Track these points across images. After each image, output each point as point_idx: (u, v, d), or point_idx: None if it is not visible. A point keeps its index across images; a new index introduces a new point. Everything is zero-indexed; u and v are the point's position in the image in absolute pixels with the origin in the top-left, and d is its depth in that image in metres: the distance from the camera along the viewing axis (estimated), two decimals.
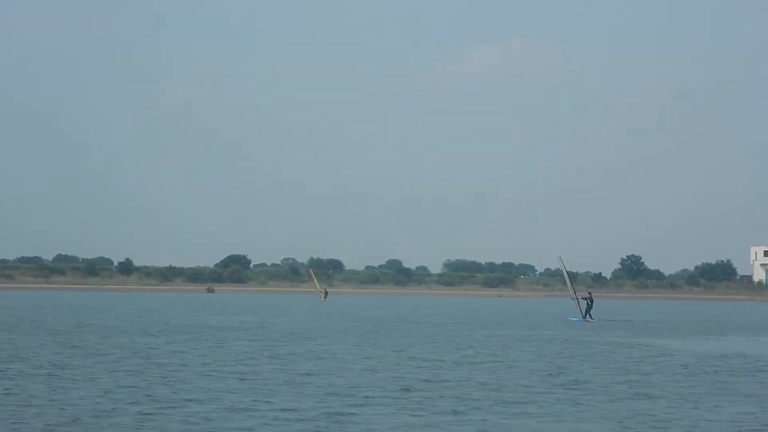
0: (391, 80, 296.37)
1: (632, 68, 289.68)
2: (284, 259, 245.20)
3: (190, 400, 23.21)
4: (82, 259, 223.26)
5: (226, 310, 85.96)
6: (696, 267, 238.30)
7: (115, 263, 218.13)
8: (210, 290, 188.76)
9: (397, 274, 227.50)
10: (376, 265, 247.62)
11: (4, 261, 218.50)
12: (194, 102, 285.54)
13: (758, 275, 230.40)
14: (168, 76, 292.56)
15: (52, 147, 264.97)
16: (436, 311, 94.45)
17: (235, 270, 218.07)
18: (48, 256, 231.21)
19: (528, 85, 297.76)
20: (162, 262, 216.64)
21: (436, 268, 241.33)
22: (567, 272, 76.38)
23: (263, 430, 19.52)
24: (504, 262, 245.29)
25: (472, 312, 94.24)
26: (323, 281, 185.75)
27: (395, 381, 27.76)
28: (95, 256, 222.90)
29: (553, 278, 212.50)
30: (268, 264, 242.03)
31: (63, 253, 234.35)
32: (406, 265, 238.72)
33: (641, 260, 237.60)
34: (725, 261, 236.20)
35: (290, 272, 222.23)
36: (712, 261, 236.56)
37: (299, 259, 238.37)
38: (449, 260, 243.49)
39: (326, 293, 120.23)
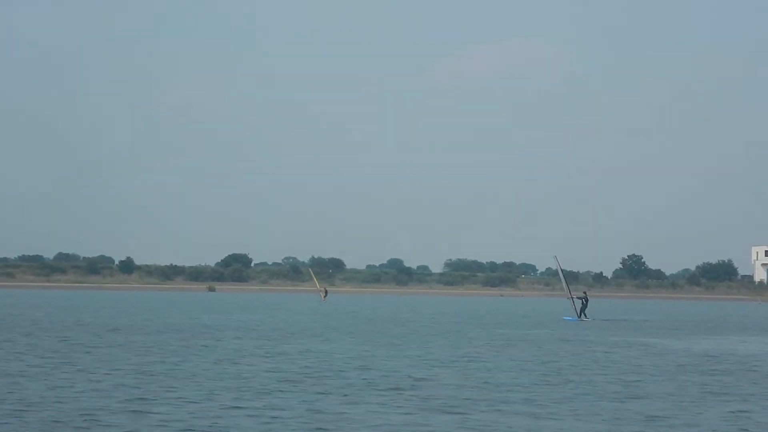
0: (391, 80, 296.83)
1: (632, 68, 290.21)
2: (285, 258, 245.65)
3: (180, 398, 23.29)
4: (83, 257, 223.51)
5: (226, 309, 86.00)
6: (697, 267, 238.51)
7: (116, 262, 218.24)
8: (211, 289, 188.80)
9: (398, 274, 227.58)
10: (377, 264, 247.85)
11: (5, 259, 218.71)
12: (195, 102, 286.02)
13: (759, 275, 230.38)
14: (168, 76, 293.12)
15: (52, 146, 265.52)
16: (434, 311, 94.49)
17: (236, 269, 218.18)
18: (49, 254, 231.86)
19: (528, 85, 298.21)
20: (163, 261, 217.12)
21: (437, 268, 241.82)
22: (562, 272, 76.52)
23: (257, 428, 19.59)
24: (505, 262, 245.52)
25: (470, 311, 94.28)
26: (324, 280, 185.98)
27: (387, 379, 27.83)
28: (96, 255, 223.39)
29: (554, 278, 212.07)
30: (269, 263, 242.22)
31: (64, 252, 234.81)
32: (407, 264, 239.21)
33: (642, 260, 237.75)
34: (726, 261, 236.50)
35: (291, 271, 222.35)
36: (713, 261, 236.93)
37: (300, 258, 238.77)
38: (450, 260, 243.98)
39: (326, 292, 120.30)
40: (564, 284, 74.44)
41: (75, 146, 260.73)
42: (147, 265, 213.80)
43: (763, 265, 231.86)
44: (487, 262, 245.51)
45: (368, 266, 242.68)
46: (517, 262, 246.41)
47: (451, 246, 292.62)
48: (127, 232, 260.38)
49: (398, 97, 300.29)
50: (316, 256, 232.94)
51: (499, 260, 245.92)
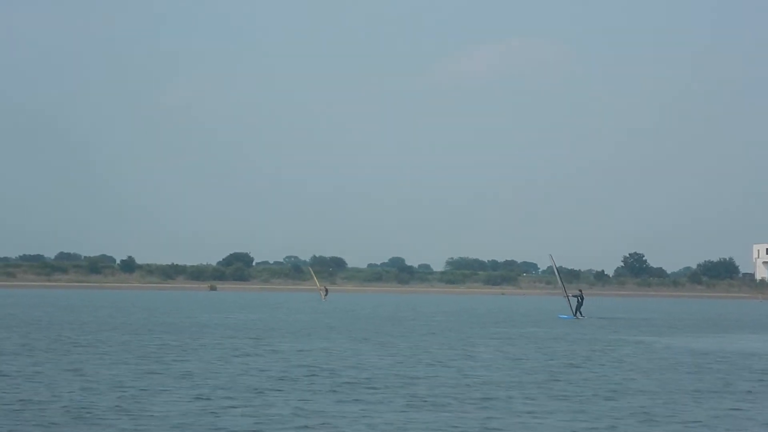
0: (392, 80, 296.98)
1: (632, 68, 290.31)
2: (287, 257, 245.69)
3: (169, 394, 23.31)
4: (85, 257, 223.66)
5: (225, 308, 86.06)
6: (698, 265, 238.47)
7: (118, 261, 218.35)
8: (212, 288, 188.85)
9: (399, 272, 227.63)
10: (378, 263, 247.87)
11: (7, 259, 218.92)
12: (195, 101, 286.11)
13: (760, 273, 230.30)
14: (169, 76, 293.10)
15: (53, 146, 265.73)
16: (434, 309, 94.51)
17: (237, 268, 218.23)
18: (50, 254, 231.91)
19: (528, 85, 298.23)
20: (164, 260, 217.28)
21: (438, 266, 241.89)
22: (558, 270, 76.61)
23: (245, 427, 19.61)
24: (507, 260, 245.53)
25: (470, 310, 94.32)
26: (326, 279, 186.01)
27: (380, 377, 27.84)
28: (97, 254, 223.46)
29: (555, 276, 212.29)
30: (271, 262, 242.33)
31: (65, 252, 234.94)
32: (408, 263, 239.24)
33: (644, 258, 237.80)
34: (728, 259, 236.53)
35: (293, 270, 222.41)
36: (715, 259, 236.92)
37: (302, 257, 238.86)
38: (452, 258, 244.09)
39: (327, 291, 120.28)
40: (560, 282, 74.52)
41: (76, 146, 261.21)
42: (148, 265, 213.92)
43: (764, 263, 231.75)
44: (488, 261, 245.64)
45: (370, 265, 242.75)
46: (519, 260, 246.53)
47: (453, 245, 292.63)
48: (128, 232, 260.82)
49: (398, 96, 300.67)
50: (317, 255, 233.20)
51: (500, 259, 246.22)
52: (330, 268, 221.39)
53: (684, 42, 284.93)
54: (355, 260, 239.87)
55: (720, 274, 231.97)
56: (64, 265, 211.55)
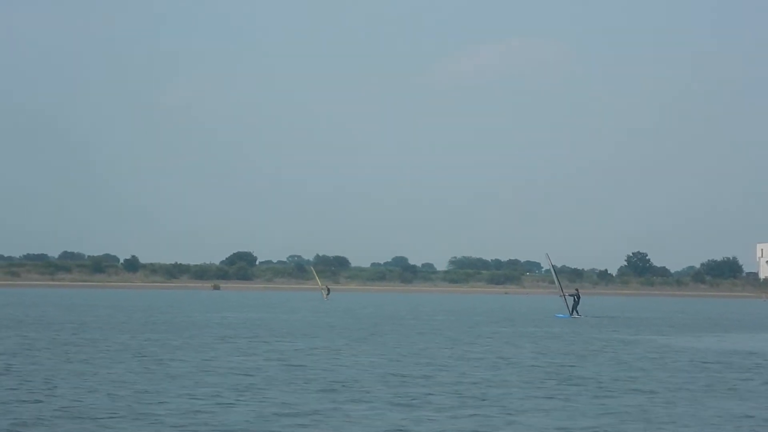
0: (392, 80, 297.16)
1: (633, 68, 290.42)
2: (290, 256, 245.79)
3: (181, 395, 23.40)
4: (88, 256, 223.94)
5: (224, 308, 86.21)
6: (702, 264, 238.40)
7: (121, 260, 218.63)
8: (216, 287, 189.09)
9: (402, 272, 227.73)
10: (381, 262, 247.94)
11: (10, 258, 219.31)
12: (197, 101, 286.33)
13: (764, 272, 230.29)
14: (171, 76, 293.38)
15: (56, 146, 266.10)
16: (434, 308, 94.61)
17: (241, 267, 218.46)
18: (54, 253, 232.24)
19: (529, 85, 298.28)
20: (168, 260, 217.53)
21: (442, 266, 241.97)
22: (554, 269, 76.63)
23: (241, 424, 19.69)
24: (510, 259, 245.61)
25: (470, 309, 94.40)
26: (329, 278, 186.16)
27: (373, 376, 27.92)
28: (101, 254, 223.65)
29: (559, 275, 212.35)
30: (274, 261, 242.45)
31: (69, 251, 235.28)
32: (412, 262, 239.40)
33: (647, 257, 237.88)
34: (731, 258, 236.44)
35: (296, 269, 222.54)
36: (719, 258, 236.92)
37: (305, 256, 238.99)
38: (455, 257, 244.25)
39: (328, 291, 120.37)
40: (556, 281, 74.64)
41: (79, 145, 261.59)
42: (152, 264, 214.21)
43: (767, 262, 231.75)
44: (491, 260, 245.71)
45: (373, 264, 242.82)
46: (522, 259, 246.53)
47: (456, 244, 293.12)
48: (131, 231, 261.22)
49: (399, 96, 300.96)
50: (320, 254, 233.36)
51: (503, 258, 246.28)
52: (332, 268, 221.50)
53: (684, 42, 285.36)
54: (358, 259, 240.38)
55: (724, 273, 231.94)
56: (68, 265, 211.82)
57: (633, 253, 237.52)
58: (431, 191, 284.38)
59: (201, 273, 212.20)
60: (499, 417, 21.20)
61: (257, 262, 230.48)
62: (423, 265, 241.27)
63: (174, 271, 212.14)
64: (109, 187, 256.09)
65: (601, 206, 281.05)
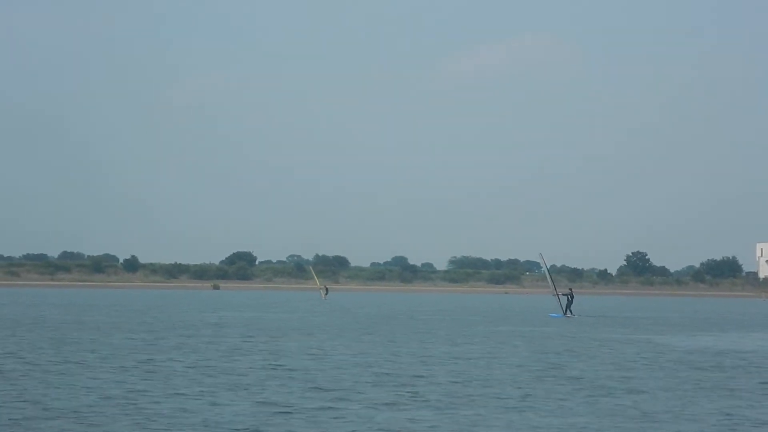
0: (393, 80, 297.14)
1: (634, 67, 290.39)
2: (290, 256, 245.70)
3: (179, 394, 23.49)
4: (88, 256, 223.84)
5: (222, 307, 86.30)
6: (702, 264, 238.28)
7: (121, 260, 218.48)
8: (216, 287, 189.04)
9: (402, 271, 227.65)
10: (381, 262, 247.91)
11: (10, 258, 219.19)
12: (199, 101, 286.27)
13: (764, 272, 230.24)
14: (172, 76, 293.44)
15: (56, 146, 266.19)
16: (433, 308, 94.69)
17: (240, 267, 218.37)
18: (54, 253, 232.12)
19: (529, 85, 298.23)
20: (167, 259, 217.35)
21: (441, 265, 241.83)
22: (548, 269, 76.71)
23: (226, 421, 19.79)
24: (510, 259, 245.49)
25: (468, 309, 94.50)
26: (328, 278, 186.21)
27: (365, 374, 28.00)
28: (101, 254, 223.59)
29: (559, 275, 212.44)
30: (274, 261, 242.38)
31: (68, 251, 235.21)
32: (411, 262, 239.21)
33: (647, 257, 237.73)
34: (731, 258, 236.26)
35: (296, 269, 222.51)
36: (718, 258, 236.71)
37: (305, 256, 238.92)
38: (455, 257, 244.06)
39: (327, 290, 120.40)
40: (549, 281, 74.73)
41: (78, 145, 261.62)
42: (151, 264, 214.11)
43: (767, 262, 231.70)
44: (491, 260, 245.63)
45: (373, 264, 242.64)
46: (522, 259, 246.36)
47: (456, 243, 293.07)
48: (131, 231, 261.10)
49: (399, 96, 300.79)
50: (320, 254, 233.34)
51: (503, 257, 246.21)
52: (332, 267, 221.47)
53: (684, 42, 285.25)
54: (358, 259, 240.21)
55: (723, 272, 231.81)
56: (68, 265, 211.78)
57: (633, 253, 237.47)
58: (431, 191, 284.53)
59: (201, 273, 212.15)
60: (493, 416, 21.29)
61: (257, 262, 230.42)
62: (423, 264, 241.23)
63: (174, 271, 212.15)
64: (109, 187, 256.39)
65: (600, 206, 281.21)
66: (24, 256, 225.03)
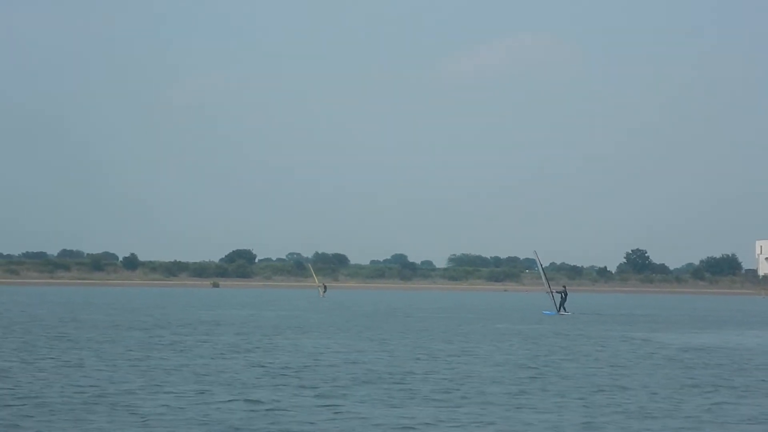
0: (393, 80, 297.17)
1: (634, 67, 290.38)
2: (289, 254, 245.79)
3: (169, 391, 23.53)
4: (87, 254, 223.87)
5: (221, 305, 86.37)
6: (701, 261, 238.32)
7: (120, 258, 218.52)
8: (215, 285, 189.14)
9: (402, 269, 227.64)
10: (381, 259, 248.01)
11: (10, 257, 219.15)
12: (199, 101, 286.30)
13: (763, 269, 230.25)
14: (172, 76, 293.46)
15: (56, 144, 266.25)
16: (430, 306, 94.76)
17: (240, 265, 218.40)
18: (53, 251, 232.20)
19: (529, 84, 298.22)
20: (167, 257, 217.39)
21: (441, 263, 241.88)
22: (542, 266, 76.76)
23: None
24: (509, 257, 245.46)
25: (466, 307, 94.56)
26: (328, 276, 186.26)
27: (357, 372, 28.05)
28: (100, 252, 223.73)
29: (558, 273, 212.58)
30: (274, 259, 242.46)
31: (68, 249, 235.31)
32: (411, 259, 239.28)
33: (646, 254, 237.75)
34: (730, 255, 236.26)
35: (295, 267, 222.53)
36: (718, 255, 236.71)
37: (304, 254, 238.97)
38: (454, 255, 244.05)
39: (325, 288, 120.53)
40: (543, 279, 74.76)
41: (79, 145, 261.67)
42: (151, 262, 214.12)
43: (767, 259, 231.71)
44: (491, 258, 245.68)
45: (372, 262, 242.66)
46: (521, 257, 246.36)
47: (455, 241, 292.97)
48: (131, 229, 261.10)
49: (399, 96, 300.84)
50: (320, 252, 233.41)
51: (503, 255, 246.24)
52: (332, 265, 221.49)
53: (685, 41, 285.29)
54: (357, 257, 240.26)
55: (723, 270, 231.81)
56: (67, 263, 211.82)
57: (632, 251, 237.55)
58: (431, 191, 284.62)
59: (200, 271, 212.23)
60: (485, 415, 21.32)
61: (256, 260, 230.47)
62: (422, 262, 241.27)
63: (173, 269, 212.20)
64: (108, 186, 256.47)
65: (600, 205, 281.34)
66: (23, 254, 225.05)
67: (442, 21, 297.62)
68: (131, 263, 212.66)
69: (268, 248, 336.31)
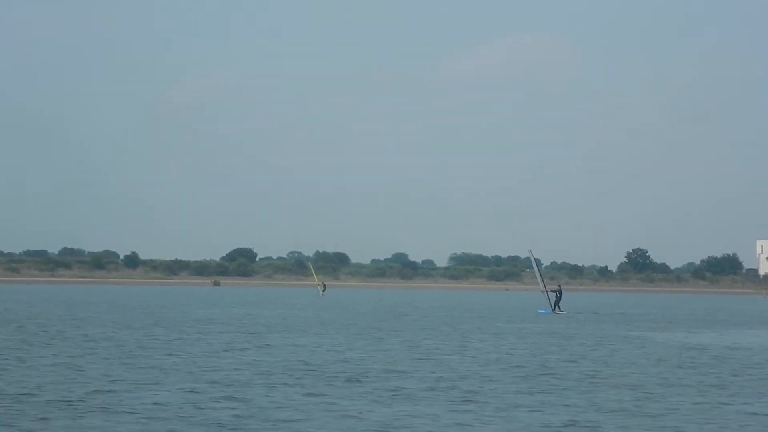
0: (393, 80, 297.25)
1: (634, 66, 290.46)
2: (290, 252, 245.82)
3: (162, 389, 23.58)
4: (88, 252, 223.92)
5: (219, 304, 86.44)
6: (702, 260, 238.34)
7: (121, 257, 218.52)
8: (216, 284, 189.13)
9: (403, 268, 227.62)
10: (382, 258, 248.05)
11: (10, 254, 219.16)
12: (199, 101, 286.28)
13: (764, 269, 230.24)
14: (173, 75, 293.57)
15: (57, 143, 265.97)
16: (429, 305, 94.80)
17: (241, 263, 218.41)
18: (54, 249, 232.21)
19: (529, 84, 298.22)
20: (168, 256, 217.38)
21: (442, 262, 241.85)
22: (537, 265, 76.75)
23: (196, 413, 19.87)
24: (510, 256, 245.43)
25: (463, 306, 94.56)
26: (329, 275, 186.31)
27: (351, 370, 28.11)
28: (101, 250, 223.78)
29: (559, 272, 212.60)
30: (274, 257, 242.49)
31: (69, 247, 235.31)
32: (412, 258, 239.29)
33: (647, 254, 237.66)
34: (731, 255, 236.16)
35: (296, 266, 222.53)
36: (719, 255, 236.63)
37: (305, 253, 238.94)
38: (455, 254, 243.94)
39: (324, 287, 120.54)
40: (538, 278, 74.83)
41: (78, 143, 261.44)
42: (152, 260, 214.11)
43: (767, 258, 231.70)
44: (492, 257, 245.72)
45: (373, 261, 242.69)
46: (522, 256, 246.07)
47: (456, 240, 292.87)
48: (132, 228, 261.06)
49: (399, 96, 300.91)
50: (320, 251, 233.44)
51: (504, 254, 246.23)
52: (332, 264, 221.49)
53: (685, 41, 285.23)
54: (358, 256, 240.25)
55: (724, 269, 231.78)
56: (68, 261, 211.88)
57: (633, 250, 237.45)
58: (431, 191, 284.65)
59: (201, 269, 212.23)
60: (480, 413, 21.36)
61: (257, 259, 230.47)
62: (423, 261, 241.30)
63: (174, 268, 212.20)
64: (109, 184, 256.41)
65: (600, 205, 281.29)
66: (24, 252, 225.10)
67: (442, 21, 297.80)
68: (132, 262, 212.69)
69: (268, 247, 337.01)
